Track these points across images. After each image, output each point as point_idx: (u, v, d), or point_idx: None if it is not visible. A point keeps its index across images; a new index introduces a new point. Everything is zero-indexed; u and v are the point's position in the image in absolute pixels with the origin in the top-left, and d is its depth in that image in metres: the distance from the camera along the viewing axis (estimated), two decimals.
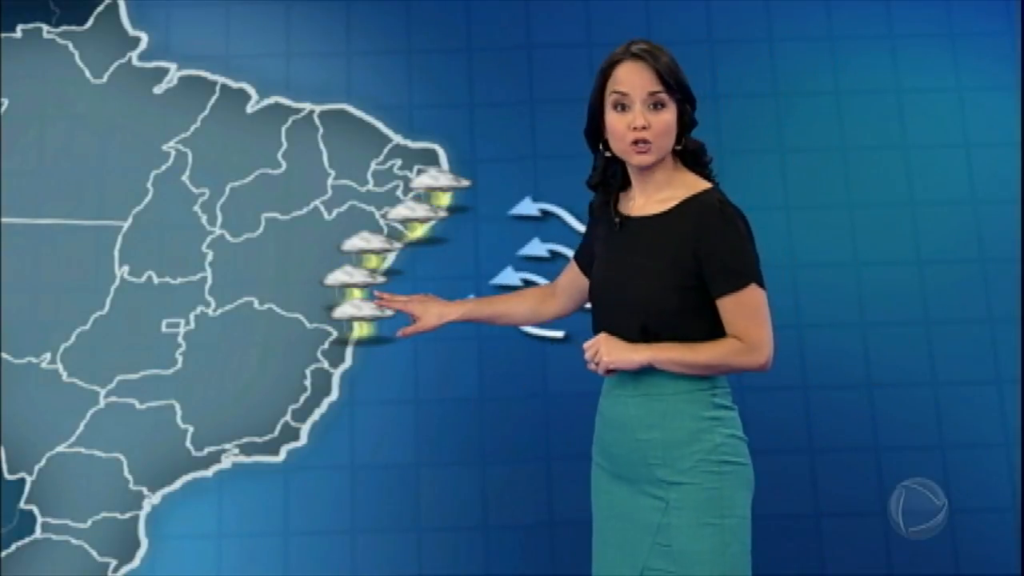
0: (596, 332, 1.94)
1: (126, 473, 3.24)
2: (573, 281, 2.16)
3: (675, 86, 1.87)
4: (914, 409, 3.26)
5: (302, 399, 3.30)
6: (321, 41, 3.55)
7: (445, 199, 3.43)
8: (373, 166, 3.46)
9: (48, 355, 3.32)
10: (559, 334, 3.29)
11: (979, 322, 3.31)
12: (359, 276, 3.36)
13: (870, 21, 3.53)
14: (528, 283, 3.30)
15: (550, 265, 3.33)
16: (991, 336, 3.29)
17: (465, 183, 3.42)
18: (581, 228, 3.28)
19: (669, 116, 1.87)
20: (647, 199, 1.93)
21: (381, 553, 3.20)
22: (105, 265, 3.39)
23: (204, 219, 3.42)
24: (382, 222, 3.42)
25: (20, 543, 3.19)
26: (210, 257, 3.39)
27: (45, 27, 3.56)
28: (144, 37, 3.54)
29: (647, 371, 1.85)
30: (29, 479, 3.23)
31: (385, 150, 3.47)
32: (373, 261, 3.39)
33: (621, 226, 1.95)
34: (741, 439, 1.87)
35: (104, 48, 3.54)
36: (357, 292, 3.36)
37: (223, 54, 3.53)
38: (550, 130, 3.44)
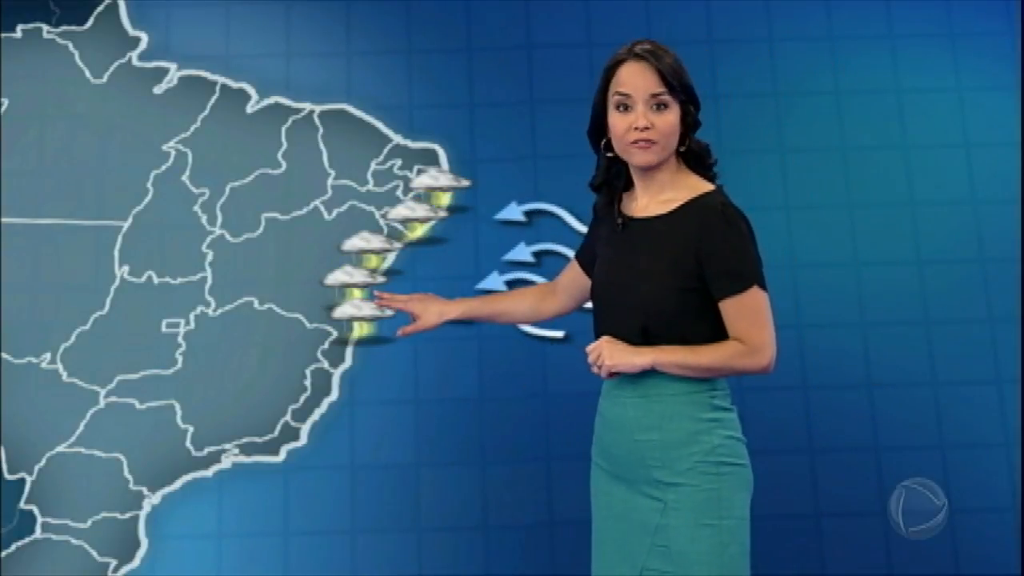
0: (597, 332, 1.95)
1: (126, 473, 3.24)
2: (574, 280, 2.17)
3: (678, 87, 1.86)
4: (914, 409, 3.26)
5: (302, 399, 3.30)
6: (321, 41, 3.55)
7: (445, 199, 3.42)
8: (373, 166, 3.46)
9: (48, 355, 3.31)
10: (559, 334, 3.29)
11: (979, 322, 3.31)
12: (359, 276, 3.36)
13: (870, 21, 3.53)
14: (514, 285, 3.29)
15: (537, 269, 3.33)
16: (991, 336, 3.29)
17: (465, 183, 3.42)
18: (581, 228, 3.28)
19: (672, 117, 1.87)
20: (650, 200, 1.93)
21: (381, 553, 3.20)
22: (105, 265, 3.38)
23: (204, 219, 3.42)
24: (382, 222, 3.41)
25: (20, 543, 3.19)
26: (210, 257, 3.39)
27: (45, 27, 3.55)
28: (144, 37, 3.54)
29: (646, 373, 1.85)
30: (29, 479, 3.23)
31: (385, 150, 3.47)
32: (373, 261, 3.39)
33: (624, 227, 1.95)
34: (740, 440, 1.88)
35: (104, 48, 3.54)
36: (357, 292, 3.36)
37: (223, 54, 3.53)
38: (550, 130, 3.44)
